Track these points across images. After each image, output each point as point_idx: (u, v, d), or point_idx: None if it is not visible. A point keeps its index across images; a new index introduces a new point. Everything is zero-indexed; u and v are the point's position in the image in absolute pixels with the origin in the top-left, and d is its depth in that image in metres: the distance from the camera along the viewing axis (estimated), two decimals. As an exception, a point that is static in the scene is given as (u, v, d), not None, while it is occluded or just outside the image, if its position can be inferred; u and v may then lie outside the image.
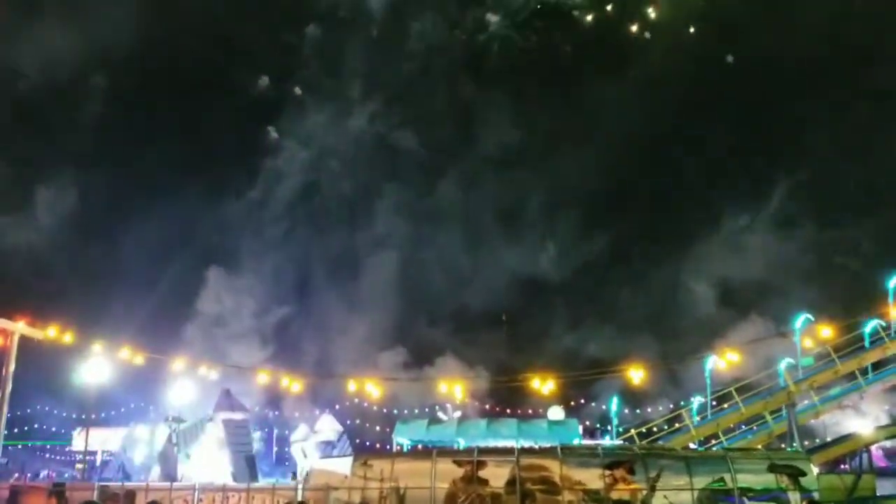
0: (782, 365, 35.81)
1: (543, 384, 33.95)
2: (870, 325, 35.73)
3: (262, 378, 38.47)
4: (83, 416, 44.77)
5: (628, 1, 63.75)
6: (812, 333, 35.00)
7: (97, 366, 36.36)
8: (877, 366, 35.61)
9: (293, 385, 36.93)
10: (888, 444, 38.82)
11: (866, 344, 35.83)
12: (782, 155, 56.61)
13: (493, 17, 64.75)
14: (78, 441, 49.04)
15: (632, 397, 44.83)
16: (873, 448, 35.65)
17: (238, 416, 42.54)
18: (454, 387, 37.72)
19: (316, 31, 65.58)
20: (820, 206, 54.84)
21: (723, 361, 35.14)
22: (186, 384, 43.14)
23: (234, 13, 62.84)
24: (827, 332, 33.87)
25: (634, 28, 63.19)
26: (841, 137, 54.63)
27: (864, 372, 35.25)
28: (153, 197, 58.46)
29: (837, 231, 54.63)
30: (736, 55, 60.62)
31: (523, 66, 64.39)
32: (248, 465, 40.89)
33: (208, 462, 40.41)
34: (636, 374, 33.17)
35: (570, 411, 43.06)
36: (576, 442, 36.56)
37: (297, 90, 65.22)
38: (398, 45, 66.25)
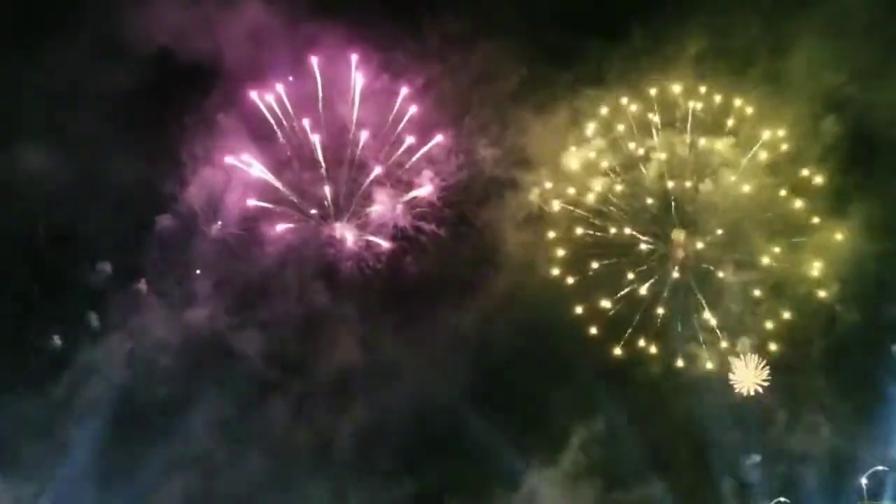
0: None
1: None
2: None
3: None
4: None
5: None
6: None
7: None
8: None
9: None
10: None
11: None
12: (579, 411, 57.51)
13: (348, 234, 62.14)
14: None
15: None
16: None
17: None
18: None
19: (168, 223, 62.81)
20: (608, 465, 56.84)
21: None
22: None
23: (82, 202, 60.52)
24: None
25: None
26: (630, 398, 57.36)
27: None
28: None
29: (625, 491, 56.52)
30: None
31: (373, 288, 61.60)
32: None
33: None
34: None
35: None
36: None
37: (142, 284, 61.80)
38: (255, 246, 63.50)
